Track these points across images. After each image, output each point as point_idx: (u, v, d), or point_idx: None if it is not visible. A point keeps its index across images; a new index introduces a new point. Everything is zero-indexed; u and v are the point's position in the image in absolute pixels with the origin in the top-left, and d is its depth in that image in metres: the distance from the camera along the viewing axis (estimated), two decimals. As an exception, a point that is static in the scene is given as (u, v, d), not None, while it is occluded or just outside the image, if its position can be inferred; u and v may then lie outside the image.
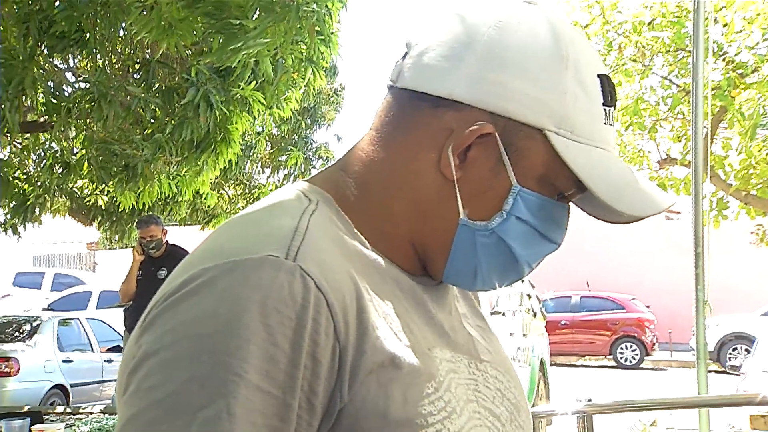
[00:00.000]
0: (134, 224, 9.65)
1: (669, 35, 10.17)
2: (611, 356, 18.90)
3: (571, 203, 0.90)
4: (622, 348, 18.83)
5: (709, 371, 5.71)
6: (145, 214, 8.09)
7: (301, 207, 0.83)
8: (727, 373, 15.87)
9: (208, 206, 10.95)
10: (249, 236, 0.78)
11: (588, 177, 0.83)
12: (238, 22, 4.91)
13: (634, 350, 18.72)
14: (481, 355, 0.94)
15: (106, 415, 5.28)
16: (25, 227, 7.93)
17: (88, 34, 6.11)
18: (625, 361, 18.68)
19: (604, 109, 0.86)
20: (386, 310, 0.81)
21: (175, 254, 6.57)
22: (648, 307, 19.48)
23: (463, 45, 0.84)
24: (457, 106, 0.83)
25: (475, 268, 0.87)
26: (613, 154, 0.87)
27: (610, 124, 0.88)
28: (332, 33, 6.26)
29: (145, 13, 5.12)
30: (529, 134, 0.83)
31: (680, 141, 11.08)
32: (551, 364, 9.96)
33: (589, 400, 3.25)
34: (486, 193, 0.84)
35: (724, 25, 9.78)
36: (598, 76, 0.86)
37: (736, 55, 10.21)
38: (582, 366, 18.80)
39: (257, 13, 4.93)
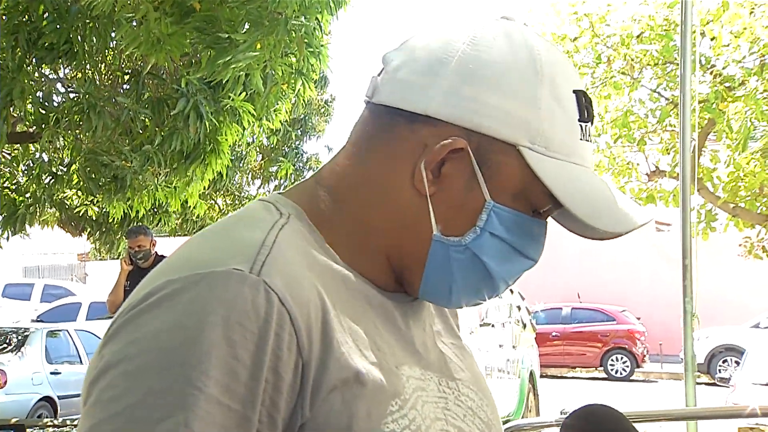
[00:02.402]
0: (123, 235, 9.65)
1: (657, 48, 10.25)
2: (602, 368, 18.91)
3: (549, 219, 0.89)
4: (612, 360, 18.84)
5: (699, 383, 5.73)
6: (135, 224, 8.08)
7: (271, 220, 0.83)
8: (717, 385, 15.89)
9: (198, 216, 10.94)
10: (215, 249, 0.78)
11: (562, 192, 0.82)
12: (227, 36, 4.93)
13: (624, 362, 18.74)
14: (454, 373, 0.93)
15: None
16: (8, 239, 7.91)
17: (76, 46, 6.13)
18: (616, 372, 18.70)
19: (581, 125, 0.85)
20: (352, 326, 0.80)
21: None
22: (639, 318, 19.52)
23: (438, 61, 0.84)
24: (432, 122, 0.83)
25: (450, 284, 0.86)
26: (589, 169, 0.86)
27: (587, 140, 0.87)
28: (322, 45, 6.29)
29: (135, 24, 5.14)
30: (503, 150, 0.82)
31: (669, 153, 11.15)
32: (542, 376, 9.97)
33: (562, 412, 3.22)
34: (460, 209, 0.84)
35: (712, 39, 9.88)
36: (575, 91, 0.86)
37: (723, 68, 10.31)
38: (573, 378, 18.81)
39: (246, 27, 4.96)
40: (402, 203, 0.84)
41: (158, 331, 0.72)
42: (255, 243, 0.78)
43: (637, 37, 10.47)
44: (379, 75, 0.88)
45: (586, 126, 0.86)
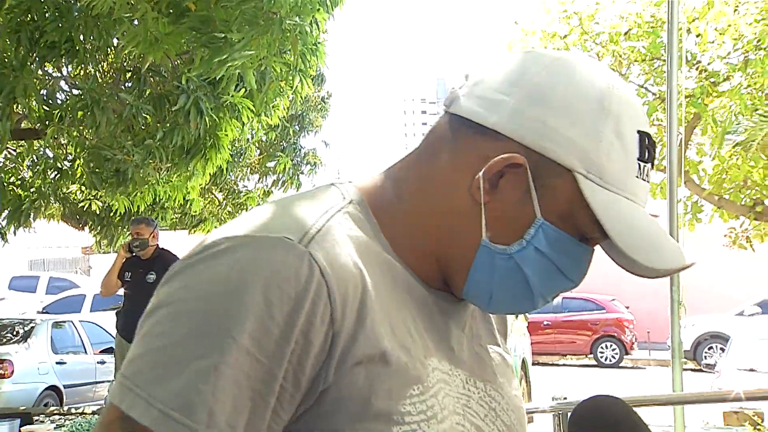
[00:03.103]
0: (124, 229, 9.75)
1: (644, 45, 10.37)
2: (592, 355, 19.12)
3: (597, 247, 0.93)
4: (602, 347, 19.06)
5: (686, 369, 5.85)
6: (139, 216, 8.13)
7: (332, 202, 0.89)
8: (703, 371, 16.11)
9: (195, 211, 11.03)
10: (275, 218, 0.85)
11: (608, 222, 0.86)
12: (223, 35, 5.03)
13: (614, 349, 18.96)
14: (484, 375, 0.97)
15: (97, 416, 5.35)
16: (15, 233, 8.00)
17: (78, 45, 6.21)
18: (606, 360, 18.91)
19: (639, 164, 0.89)
20: (390, 311, 0.85)
21: (163, 258, 6.55)
22: (627, 307, 19.70)
23: (512, 82, 0.89)
24: (497, 137, 0.88)
25: (491, 289, 0.91)
26: (641, 207, 0.89)
27: (644, 179, 0.90)
28: (319, 43, 6.40)
29: (136, 23, 5.23)
30: (559, 172, 0.87)
31: (656, 147, 11.29)
32: (534, 364, 10.10)
33: (565, 398, 3.33)
34: (510, 221, 0.88)
35: (697, 36, 10.02)
36: (639, 132, 0.89)
37: (708, 64, 10.46)
38: (564, 365, 19.00)
39: (242, 26, 5.04)
40: (458, 207, 0.89)
41: (207, 280, 0.79)
42: (311, 219, 0.85)
43: (625, 34, 10.61)
44: (459, 88, 0.94)
45: (644, 166, 0.90)
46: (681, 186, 5.35)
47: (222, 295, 0.78)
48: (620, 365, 18.71)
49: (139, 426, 0.76)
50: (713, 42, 9.90)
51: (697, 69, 10.29)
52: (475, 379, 0.94)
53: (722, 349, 15.07)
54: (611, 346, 18.97)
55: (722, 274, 19.80)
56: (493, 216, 0.89)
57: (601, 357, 18.97)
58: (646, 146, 0.90)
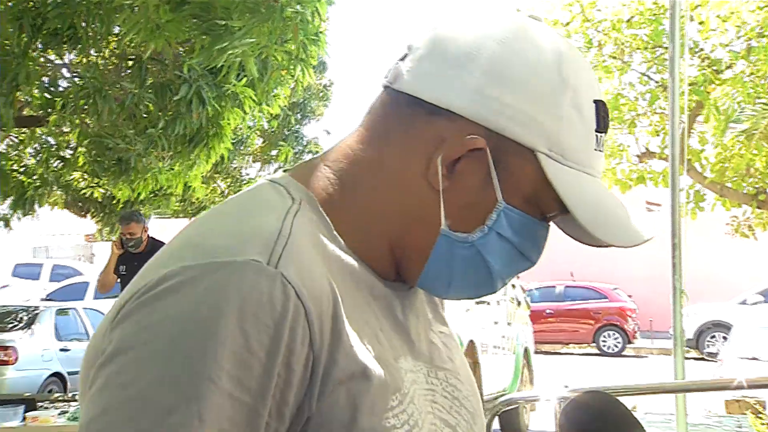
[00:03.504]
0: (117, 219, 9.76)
1: (647, 32, 10.35)
2: (594, 344, 19.20)
3: (551, 223, 0.89)
4: (604, 336, 19.13)
5: (688, 358, 5.87)
6: (128, 210, 8.10)
7: (284, 206, 0.82)
8: (705, 359, 16.15)
9: (197, 198, 11.06)
10: (232, 235, 0.77)
11: (573, 202, 0.82)
12: (223, 23, 5.03)
13: (616, 338, 19.03)
14: (442, 363, 0.92)
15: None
16: (19, 219, 8.02)
17: (80, 32, 6.21)
18: (608, 348, 18.98)
19: (596, 135, 0.85)
20: (358, 318, 0.80)
21: (157, 248, 6.62)
22: (630, 296, 19.77)
23: (467, 56, 0.82)
24: (452, 117, 0.82)
25: (450, 278, 0.86)
26: (598, 179, 0.87)
27: (600, 150, 0.87)
28: (320, 32, 6.39)
29: (137, 9, 5.23)
30: (521, 153, 0.82)
31: (658, 135, 11.28)
32: (536, 352, 10.13)
33: (566, 386, 3.37)
34: (470, 207, 0.83)
35: (700, 23, 10.00)
36: (595, 101, 0.85)
37: (711, 52, 10.44)
38: (566, 354, 19.06)
39: (243, 14, 5.04)
40: (413, 194, 0.84)
41: (173, 318, 0.70)
42: (272, 232, 0.77)
43: (627, 21, 10.59)
44: (402, 61, 0.86)
45: (600, 136, 0.86)
46: (683, 175, 5.35)
47: (192, 333, 0.69)
48: (623, 354, 18.79)
49: None
50: (716, 29, 9.88)
51: (699, 57, 10.27)
52: (435, 370, 0.90)
53: (724, 338, 15.12)
54: (614, 334, 19.04)
55: (725, 262, 19.84)
56: (452, 203, 0.83)
57: (604, 346, 19.03)
58: (602, 116, 0.86)
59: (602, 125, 0.86)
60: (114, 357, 0.71)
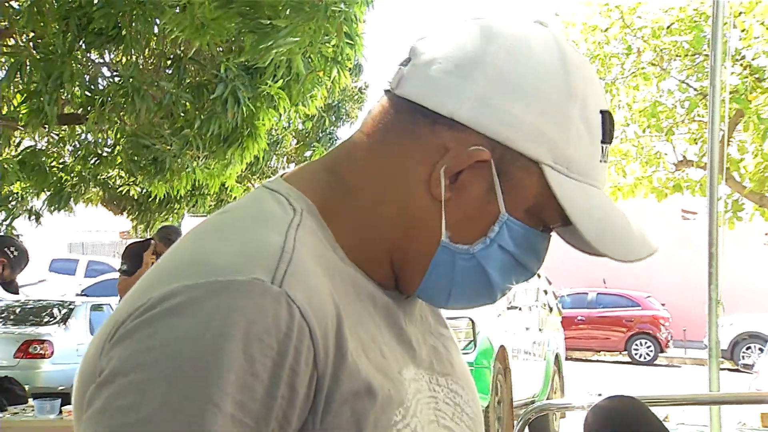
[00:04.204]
0: (161, 214, 9.85)
1: (687, 39, 10.26)
2: (626, 352, 19.03)
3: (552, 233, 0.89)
4: (636, 344, 18.96)
5: (722, 369, 5.80)
6: (168, 226, 8.11)
7: (285, 218, 0.80)
8: (740, 371, 15.94)
9: (233, 198, 11.13)
10: (233, 252, 0.75)
11: (576, 215, 0.81)
12: (269, 21, 5.07)
13: (648, 347, 18.85)
14: (443, 369, 0.91)
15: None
16: (51, 213, 8.13)
17: (124, 31, 6.29)
18: (640, 357, 18.81)
19: (602, 146, 0.84)
20: (361, 333, 0.78)
21: None
22: (663, 304, 19.57)
23: (472, 63, 0.80)
24: (456, 126, 0.80)
25: (450, 289, 0.85)
26: (602, 191, 0.85)
27: (605, 162, 0.85)
28: (357, 35, 6.41)
29: (178, 11, 5.29)
30: (525, 165, 0.81)
31: (696, 143, 11.18)
32: (567, 359, 10.08)
33: (599, 395, 3.35)
34: (472, 218, 0.82)
35: (742, 30, 9.88)
36: (601, 111, 0.84)
37: (753, 59, 10.31)
38: (597, 361, 18.92)
39: (287, 12, 5.08)
40: (413, 204, 0.82)
41: (175, 340, 0.69)
42: (275, 248, 0.75)
43: (667, 28, 10.50)
44: (405, 65, 0.84)
45: (605, 147, 0.85)
46: (721, 183, 5.29)
47: (196, 357, 0.68)
48: (655, 363, 18.59)
49: None
50: (758, 37, 9.75)
51: (741, 65, 10.15)
52: (437, 377, 0.89)
53: (761, 349, 14.89)
54: (646, 343, 18.86)
55: (762, 273, 19.57)
56: (454, 213, 0.81)
57: (636, 354, 18.86)
58: (608, 127, 0.84)
59: (608, 136, 0.84)
60: (113, 378, 0.69)
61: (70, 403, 4.80)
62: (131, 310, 0.72)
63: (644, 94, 10.79)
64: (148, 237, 6.94)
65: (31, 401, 4.88)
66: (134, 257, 6.18)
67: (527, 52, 0.81)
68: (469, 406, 0.92)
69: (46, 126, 6.32)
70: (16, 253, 4.61)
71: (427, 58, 0.82)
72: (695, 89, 11.04)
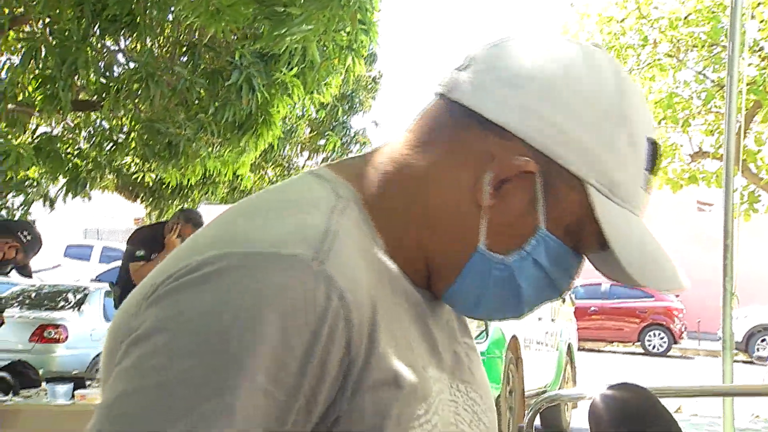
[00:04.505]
0: (175, 201, 9.89)
1: (705, 30, 10.17)
2: (639, 343, 18.98)
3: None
4: (650, 335, 18.90)
5: (736, 361, 5.79)
6: (194, 209, 8.13)
7: (330, 203, 0.81)
8: (754, 363, 15.88)
9: (246, 187, 11.17)
10: (276, 228, 0.75)
11: (615, 239, 0.81)
12: (284, 9, 5.06)
13: (662, 338, 18.79)
14: (464, 375, 0.91)
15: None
16: (65, 200, 8.17)
17: (138, 18, 6.30)
18: (653, 348, 18.76)
19: (646, 174, 0.84)
20: (394, 324, 0.78)
21: None
22: (677, 296, 19.46)
23: (528, 76, 0.81)
24: (505, 135, 0.80)
25: (479, 297, 0.85)
26: (641, 219, 0.85)
27: (647, 190, 0.85)
28: (372, 22, 6.39)
29: (193, -1, 5.29)
30: (569, 182, 0.81)
31: (713, 135, 11.11)
32: (579, 349, 10.05)
33: (611, 385, 3.33)
34: (511, 228, 0.82)
35: (761, 21, 9.79)
36: (649, 139, 0.84)
37: (771, 50, 10.23)
38: (610, 352, 18.89)
39: (302, 0, 5.07)
40: (455, 207, 0.82)
41: (211, 307, 0.69)
42: (318, 229, 0.76)
43: (684, 19, 10.41)
44: (460, 70, 0.85)
45: (649, 177, 0.85)
46: (737, 175, 5.25)
47: (232, 324, 0.67)
48: (668, 354, 18.55)
49: None
50: (777, 28, 9.67)
51: (759, 56, 10.06)
52: (457, 383, 0.88)
53: (775, 342, 14.83)
54: (659, 334, 18.80)
55: (777, 265, 19.43)
56: (493, 221, 0.81)
57: (649, 345, 18.81)
58: (654, 156, 0.84)
59: (653, 165, 0.85)
60: (147, 337, 0.70)
61: (82, 387, 4.87)
62: (171, 272, 0.73)
63: (660, 85, 10.72)
64: (158, 221, 6.97)
65: (44, 385, 4.92)
66: (150, 242, 6.22)
67: (584, 71, 0.82)
68: (486, 415, 0.92)
69: (61, 112, 6.34)
70: (29, 238, 4.65)
71: (485, 67, 0.83)
72: (712, 80, 10.95)
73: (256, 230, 0.75)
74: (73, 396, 4.65)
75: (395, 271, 0.82)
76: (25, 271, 4.77)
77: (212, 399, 0.66)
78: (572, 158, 0.80)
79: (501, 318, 0.90)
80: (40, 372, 5.57)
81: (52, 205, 8.63)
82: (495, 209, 0.81)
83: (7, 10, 6.49)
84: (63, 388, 4.61)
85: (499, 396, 6.49)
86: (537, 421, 7.82)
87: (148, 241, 6.18)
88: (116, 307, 6.71)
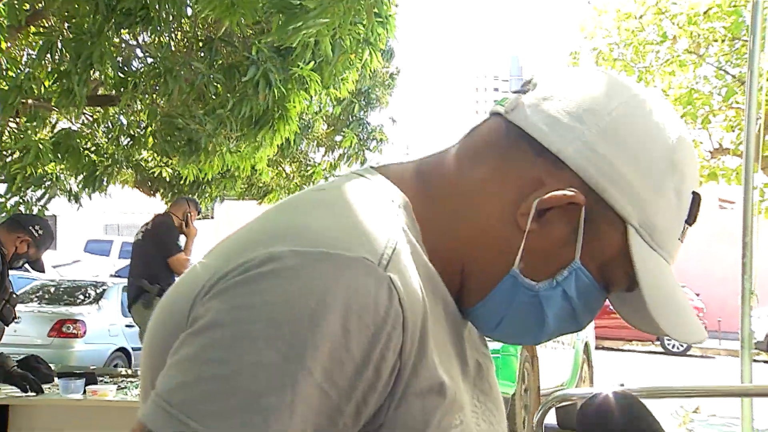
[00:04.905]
0: (194, 196, 9.93)
1: (725, 25, 10.06)
2: (659, 342, 18.85)
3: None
4: (669, 335, 18.76)
5: (757, 361, 5.73)
6: (188, 194, 8.35)
7: (388, 208, 0.82)
8: (776, 363, 15.72)
9: (264, 182, 11.18)
10: (341, 229, 0.76)
11: (647, 283, 0.83)
12: (298, 2, 5.04)
13: (681, 337, 18.65)
14: (483, 386, 0.92)
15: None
16: (90, 197, 8.23)
17: (152, 12, 6.31)
18: (673, 347, 18.62)
19: (684, 226, 0.86)
20: (438, 332, 0.80)
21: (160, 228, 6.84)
22: (698, 295, 19.35)
23: (589, 110, 0.83)
24: (558, 164, 0.82)
25: (503, 318, 0.87)
26: (671, 269, 0.87)
27: (682, 241, 0.87)
28: (390, 15, 6.36)
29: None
30: (612, 220, 0.82)
31: (733, 131, 11.00)
32: (598, 348, 10.00)
33: (621, 385, 3.29)
34: (546, 256, 0.83)
35: (784, 15, 9.65)
36: (693, 192, 0.86)
37: (794, 45, 10.07)
38: (629, 351, 18.78)
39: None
40: (497, 226, 0.83)
41: (277, 302, 0.70)
42: (381, 234, 0.77)
43: (704, 13, 10.30)
44: (521, 93, 0.87)
45: (687, 228, 0.87)
46: (757, 172, 5.19)
47: (296, 321, 0.69)
48: (688, 353, 18.40)
49: None
50: (800, 22, 9.52)
51: (782, 51, 9.93)
52: (477, 394, 0.89)
53: (796, 342, 14.67)
54: (679, 333, 18.64)
55: (799, 264, 19.23)
56: (531, 246, 0.83)
57: (668, 344, 18.68)
58: (696, 210, 0.86)
59: (692, 218, 0.86)
60: (210, 329, 0.70)
61: (94, 383, 4.89)
62: (232, 266, 0.73)
63: (680, 80, 10.62)
64: (160, 213, 7.10)
65: (56, 380, 4.94)
66: (177, 232, 6.49)
67: (644, 114, 0.83)
68: (501, 426, 0.93)
69: (77, 106, 6.36)
70: (41, 232, 4.67)
71: (547, 94, 0.85)
72: (733, 76, 10.83)
73: (322, 229, 0.76)
74: (85, 391, 4.66)
75: (437, 279, 0.83)
76: (38, 266, 4.79)
77: (273, 394, 0.67)
78: (618, 196, 0.82)
79: (517, 342, 0.93)
80: (56, 366, 5.59)
81: (77, 201, 8.68)
82: (535, 235, 0.82)
83: (27, 5, 6.52)
84: (75, 384, 4.62)
85: (513, 394, 6.45)
86: (553, 420, 7.75)
87: (177, 232, 6.46)
88: (131, 305, 6.78)
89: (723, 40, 10.52)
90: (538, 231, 0.82)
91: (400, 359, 0.73)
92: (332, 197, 0.84)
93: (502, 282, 0.84)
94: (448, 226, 0.85)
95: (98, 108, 7.98)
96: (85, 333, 9.78)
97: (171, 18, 6.68)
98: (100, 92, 7.57)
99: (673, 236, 0.85)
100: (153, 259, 6.60)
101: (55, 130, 7.76)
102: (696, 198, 0.86)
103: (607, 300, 0.90)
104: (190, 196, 8.95)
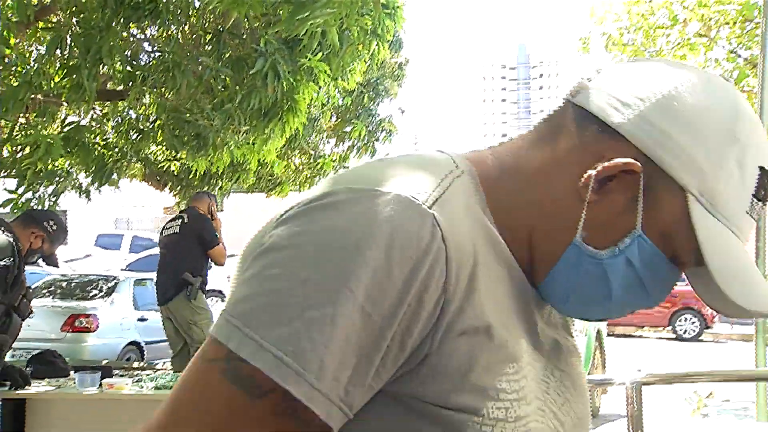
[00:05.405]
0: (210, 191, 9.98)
1: (736, 7, 9.97)
2: (670, 328, 18.79)
3: (683, 273, 0.92)
4: (681, 320, 18.69)
5: (770, 345, 5.70)
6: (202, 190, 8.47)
7: (448, 168, 0.89)
8: (790, 348, 15.66)
9: (275, 174, 11.17)
10: (397, 175, 0.84)
11: (710, 252, 0.84)
12: (305, -8, 5.02)
13: (693, 322, 18.58)
14: (560, 364, 0.95)
15: (174, 373, 5.52)
16: (99, 191, 8.24)
17: (160, 5, 6.30)
18: (684, 333, 18.56)
19: (752, 200, 0.87)
20: (495, 287, 0.85)
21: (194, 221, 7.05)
22: (710, 279, 19.29)
23: (648, 88, 0.87)
24: (617, 138, 0.86)
25: (571, 289, 0.90)
26: (742, 243, 0.87)
27: (753, 217, 0.88)
28: (398, 6, 6.35)
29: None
30: (671, 188, 0.85)
31: (745, 115, 10.92)
32: (610, 335, 9.99)
33: (639, 370, 3.29)
34: (608, 225, 0.87)
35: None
36: (761, 168, 0.87)
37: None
38: (640, 337, 18.74)
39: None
40: (560, 198, 0.88)
41: (329, 229, 0.78)
42: (432, 181, 0.84)
43: (716, -5, 10.23)
44: (589, 80, 0.93)
45: (756, 203, 0.87)
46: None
47: (343, 246, 0.77)
48: (700, 339, 18.35)
49: (247, 366, 0.75)
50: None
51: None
52: (552, 368, 0.93)
53: (809, 326, 14.60)
54: (691, 318, 18.58)
55: (812, 248, 19.13)
56: (593, 217, 0.87)
57: (680, 330, 18.62)
58: (764, 184, 0.87)
59: (761, 193, 0.87)
60: (269, 252, 0.79)
61: (110, 377, 4.91)
62: (298, 201, 0.83)
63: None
64: (185, 209, 7.22)
65: (72, 374, 4.97)
66: (213, 225, 6.68)
67: (703, 90, 0.87)
68: (579, 406, 0.96)
69: (87, 101, 6.37)
70: (54, 227, 4.68)
71: (609, 77, 0.91)
72: (744, 58, 10.75)
73: (380, 176, 0.83)
74: (101, 385, 4.69)
75: (501, 243, 0.88)
76: (52, 261, 4.81)
77: (319, 307, 0.74)
78: (676, 164, 0.85)
79: (589, 317, 0.95)
80: (70, 361, 5.62)
81: (88, 196, 8.70)
82: (596, 205, 0.86)
83: (36, 1, 6.52)
84: (91, 377, 4.65)
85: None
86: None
87: (212, 224, 6.69)
88: (160, 297, 6.83)
89: (734, 23, 10.44)
90: (599, 201, 0.86)
91: (445, 294, 0.78)
92: (397, 158, 0.92)
93: (566, 252, 0.88)
94: (515, 197, 0.90)
95: (107, 102, 7.99)
96: (97, 327, 9.83)
97: (179, 11, 6.67)
98: (108, 86, 7.57)
99: (738, 209, 0.86)
100: (194, 252, 6.74)
101: (64, 125, 7.78)
102: (764, 173, 0.87)
103: (688, 281, 0.91)
104: (203, 189, 9.02)
